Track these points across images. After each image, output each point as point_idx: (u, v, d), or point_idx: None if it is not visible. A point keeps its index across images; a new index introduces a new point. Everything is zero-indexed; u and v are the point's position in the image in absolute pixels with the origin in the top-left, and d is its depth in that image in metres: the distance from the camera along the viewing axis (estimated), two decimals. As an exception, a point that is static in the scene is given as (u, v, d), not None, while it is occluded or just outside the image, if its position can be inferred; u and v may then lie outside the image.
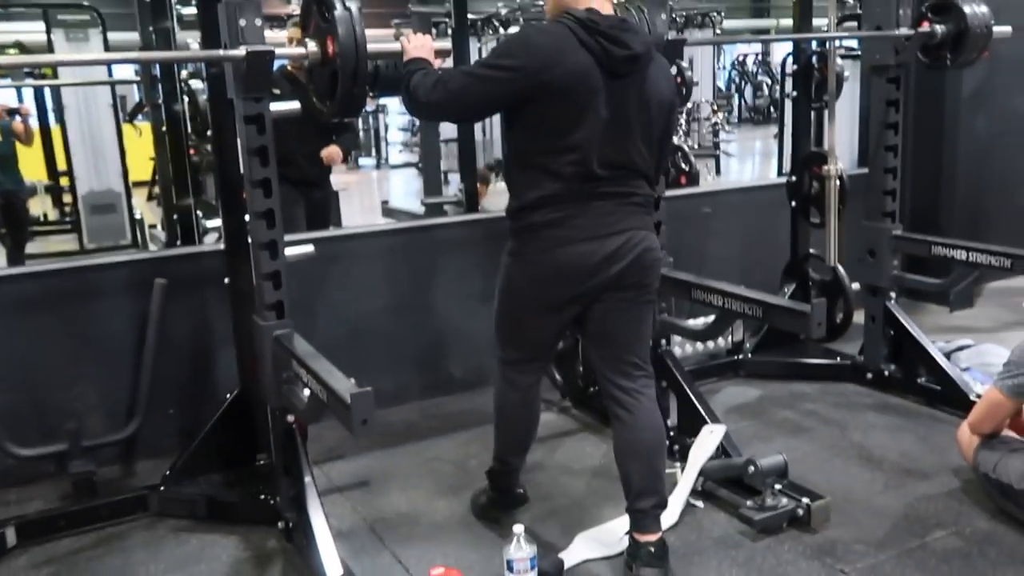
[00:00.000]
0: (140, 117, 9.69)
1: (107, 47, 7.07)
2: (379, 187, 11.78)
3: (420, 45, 2.44)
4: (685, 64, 3.17)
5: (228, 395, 3.05)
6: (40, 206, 8.67)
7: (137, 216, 7.46)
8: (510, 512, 2.82)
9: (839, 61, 4.03)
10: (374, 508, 2.95)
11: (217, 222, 3.55)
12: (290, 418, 2.60)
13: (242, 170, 2.51)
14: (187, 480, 2.99)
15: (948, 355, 3.85)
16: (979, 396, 3.49)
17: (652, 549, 2.43)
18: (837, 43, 4.07)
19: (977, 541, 2.60)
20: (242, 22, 2.35)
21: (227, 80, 2.47)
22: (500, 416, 2.71)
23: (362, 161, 13.28)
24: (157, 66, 3.86)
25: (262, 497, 2.84)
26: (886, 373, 3.81)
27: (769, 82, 18.60)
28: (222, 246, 3.29)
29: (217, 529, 2.83)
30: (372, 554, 2.65)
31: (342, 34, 2.25)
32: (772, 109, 17.95)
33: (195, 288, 3.34)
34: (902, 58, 3.61)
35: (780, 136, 9.89)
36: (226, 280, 2.97)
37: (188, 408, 3.38)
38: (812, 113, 4.20)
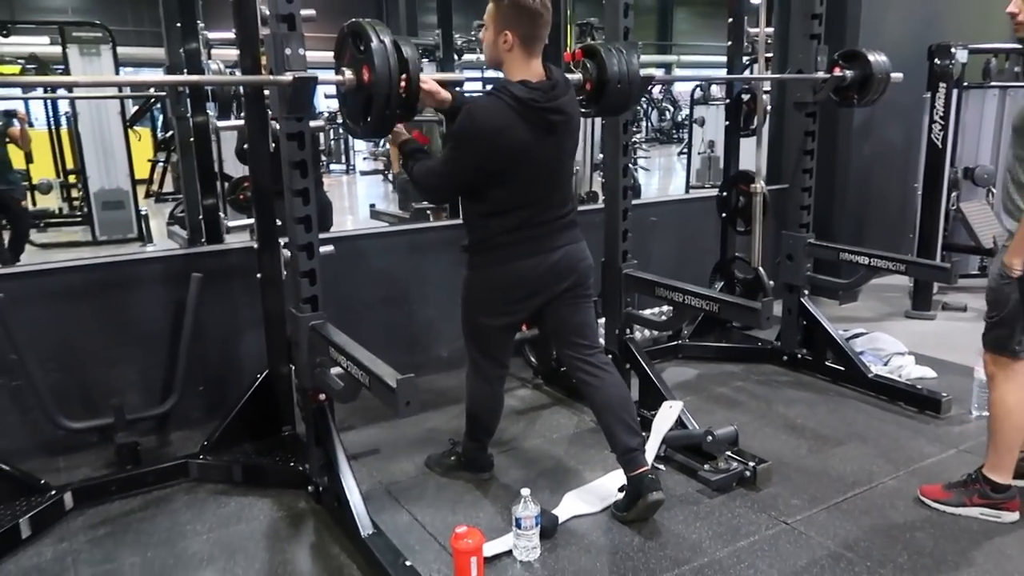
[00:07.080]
0: (139, 123, 9.30)
1: (116, 62, 6.76)
2: (349, 190, 11.55)
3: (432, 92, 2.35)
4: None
5: (258, 375, 2.93)
6: (55, 200, 8.24)
7: (142, 212, 7.17)
8: (478, 474, 2.81)
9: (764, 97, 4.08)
10: (387, 473, 2.87)
11: (237, 221, 3.43)
12: (321, 396, 2.53)
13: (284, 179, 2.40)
14: (222, 449, 2.87)
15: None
16: (877, 375, 3.62)
17: (652, 476, 2.48)
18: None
19: (888, 498, 2.67)
20: (287, 51, 2.25)
21: (272, 101, 2.37)
22: (473, 404, 2.73)
23: (333, 167, 12.97)
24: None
25: (291, 464, 2.76)
26: (799, 356, 3.88)
27: (671, 108, 18.80)
28: (242, 244, 3.19)
29: (251, 492, 2.73)
30: (392, 513, 2.58)
31: (378, 64, 2.17)
32: (674, 131, 18.23)
33: (223, 280, 3.20)
34: (818, 97, 3.67)
35: (688, 155, 10.01)
36: (258, 275, 2.85)
37: (216, 385, 3.26)
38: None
